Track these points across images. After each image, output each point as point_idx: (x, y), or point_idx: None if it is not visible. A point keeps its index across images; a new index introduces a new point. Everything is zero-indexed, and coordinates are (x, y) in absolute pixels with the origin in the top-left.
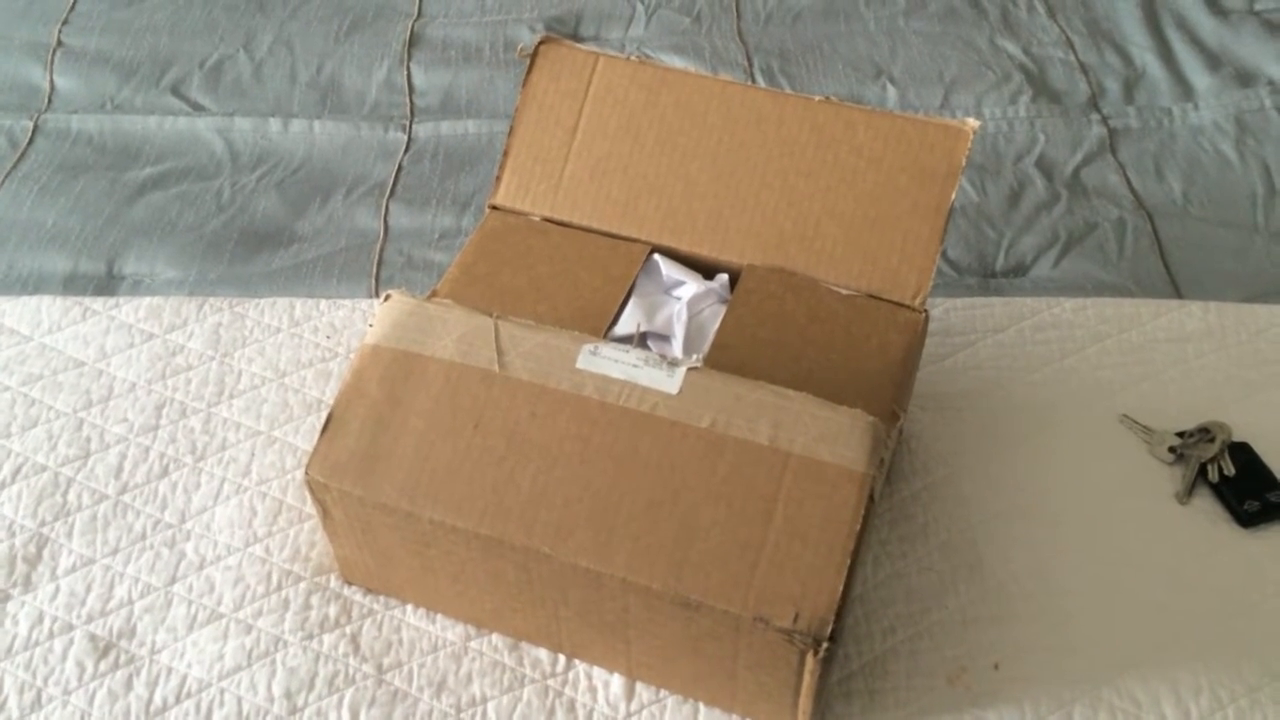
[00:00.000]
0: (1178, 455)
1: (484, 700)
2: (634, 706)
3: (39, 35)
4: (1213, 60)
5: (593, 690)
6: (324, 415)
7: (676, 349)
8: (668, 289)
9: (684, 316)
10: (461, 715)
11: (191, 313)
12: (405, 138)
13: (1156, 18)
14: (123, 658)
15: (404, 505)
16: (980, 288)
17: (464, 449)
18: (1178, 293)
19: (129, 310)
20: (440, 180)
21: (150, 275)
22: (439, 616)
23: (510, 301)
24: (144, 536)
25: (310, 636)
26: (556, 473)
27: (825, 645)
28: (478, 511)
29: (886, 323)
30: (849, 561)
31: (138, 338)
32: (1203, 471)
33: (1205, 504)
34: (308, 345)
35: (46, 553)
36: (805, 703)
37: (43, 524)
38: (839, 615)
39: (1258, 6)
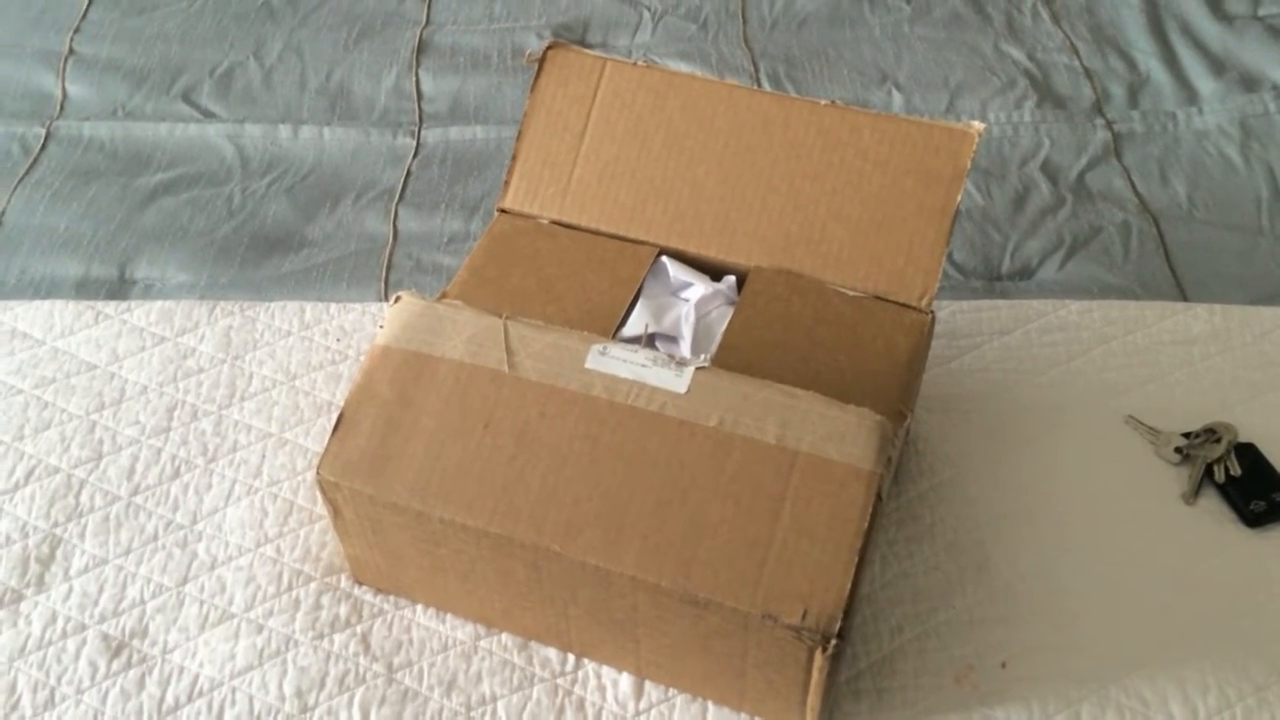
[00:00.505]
0: (1184, 456)
1: (494, 699)
2: (643, 705)
3: (51, 44)
4: (1217, 65)
5: (602, 689)
6: (334, 417)
7: (684, 350)
8: (675, 291)
9: (691, 318)
10: (471, 714)
11: (203, 316)
12: (414, 143)
13: (1160, 23)
14: (135, 657)
15: (414, 504)
16: (986, 291)
17: (474, 448)
18: (1183, 295)
19: (141, 314)
20: (449, 185)
21: (162, 279)
22: (449, 616)
23: (519, 303)
24: (156, 537)
25: (321, 636)
26: (566, 472)
27: (834, 642)
28: (488, 510)
29: (893, 324)
30: (857, 559)
31: (149, 341)
32: (1209, 472)
33: (1211, 504)
34: (318, 348)
35: (59, 553)
36: (814, 700)
37: (55, 525)
38: (847, 612)
39: (1261, 12)
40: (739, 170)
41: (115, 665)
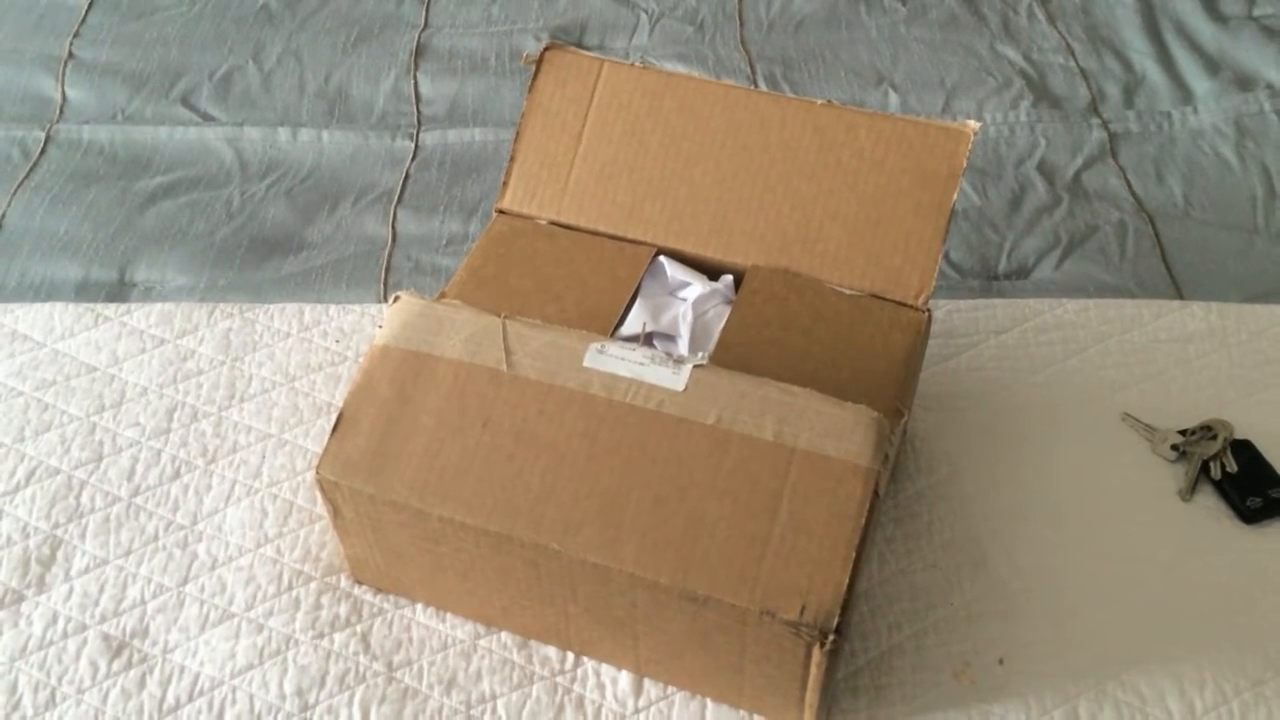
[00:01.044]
0: (1180, 453)
1: (493, 697)
2: (642, 702)
3: (50, 48)
4: (1212, 65)
5: (601, 687)
6: (333, 418)
7: (682, 349)
8: (673, 290)
9: (689, 317)
10: (471, 712)
11: (202, 318)
12: (412, 146)
13: (1155, 24)
14: (136, 657)
15: (414, 503)
16: (983, 290)
17: (473, 447)
18: (1179, 294)
19: (140, 316)
20: (447, 187)
21: (161, 282)
22: (448, 615)
23: (518, 303)
24: (156, 538)
25: (321, 635)
26: (564, 469)
27: (832, 638)
28: (487, 508)
29: (890, 322)
30: (854, 554)
31: (149, 343)
32: (1205, 469)
33: (1208, 501)
34: (317, 350)
35: (60, 554)
36: (812, 696)
37: (56, 526)
38: (845, 608)
39: (1256, 12)
40: (736, 170)
41: (116, 665)
